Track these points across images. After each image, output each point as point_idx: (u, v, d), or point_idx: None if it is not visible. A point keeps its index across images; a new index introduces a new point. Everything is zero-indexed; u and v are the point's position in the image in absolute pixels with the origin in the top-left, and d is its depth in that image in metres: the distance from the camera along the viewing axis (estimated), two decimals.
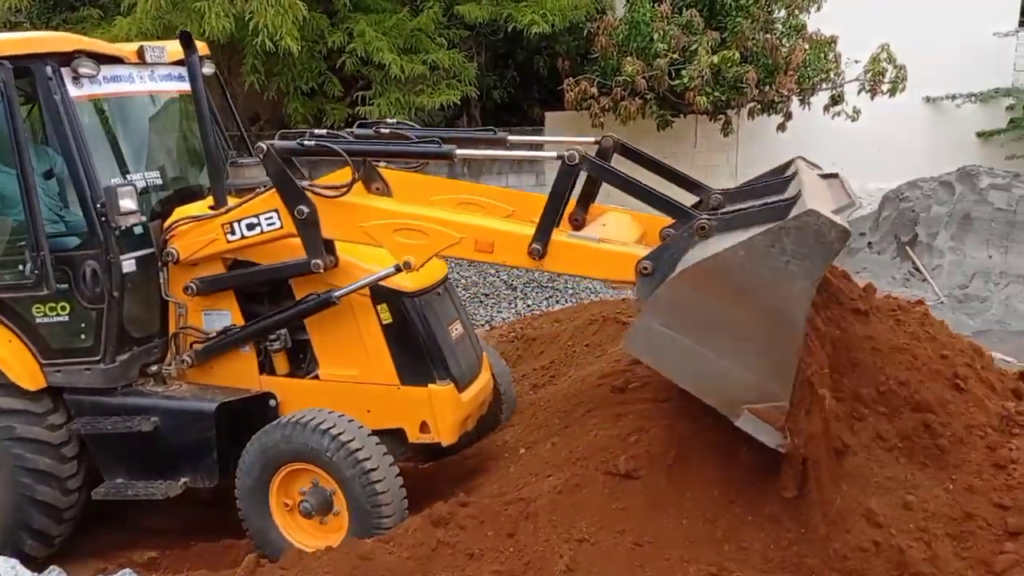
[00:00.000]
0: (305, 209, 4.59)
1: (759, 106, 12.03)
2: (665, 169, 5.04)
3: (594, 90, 11.30)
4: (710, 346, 3.76)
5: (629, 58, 11.09)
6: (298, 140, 4.77)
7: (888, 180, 12.82)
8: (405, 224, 4.56)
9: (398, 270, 4.65)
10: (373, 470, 4.43)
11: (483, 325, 9.70)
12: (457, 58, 10.97)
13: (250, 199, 4.88)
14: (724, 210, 4.16)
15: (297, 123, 10.90)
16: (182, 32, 5.19)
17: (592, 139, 4.86)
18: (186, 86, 5.28)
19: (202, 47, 5.48)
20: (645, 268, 4.08)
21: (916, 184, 12.12)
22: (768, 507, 4.02)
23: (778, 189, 4.43)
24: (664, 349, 3.83)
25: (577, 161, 4.31)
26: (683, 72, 11.08)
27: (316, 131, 5.04)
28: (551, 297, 10.42)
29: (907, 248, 11.49)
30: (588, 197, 4.98)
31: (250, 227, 4.82)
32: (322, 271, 4.72)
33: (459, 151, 4.69)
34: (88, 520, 5.52)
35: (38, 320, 4.91)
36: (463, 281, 10.38)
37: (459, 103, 11.50)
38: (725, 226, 3.95)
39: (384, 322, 4.90)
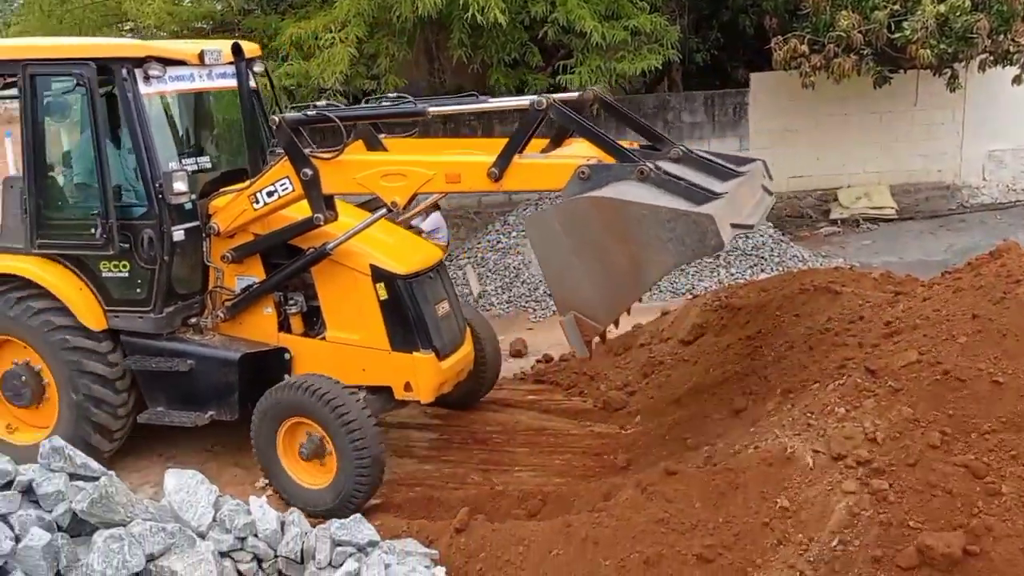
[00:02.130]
0: (309, 171, 5.41)
1: (991, 58, 11.00)
2: (637, 123, 5.65)
3: (804, 48, 10.73)
4: (582, 259, 4.48)
5: (844, 12, 10.44)
6: (303, 112, 5.68)
7: None
8: (388, 170, 5.37)
9: (389, 211, 5.56)
10: (353, 420, 5.24)
11: (684, 294, 9.60)
12: (659, 22, 10.76)
13: (266, 172, 5.69)
14: (668, 169, 4.72)
15: (500, 94, 11.13)
16: (234, 43, 6.25)
17: (575, 94, 5.59)
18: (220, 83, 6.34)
19: (254, 49, 6.59)
20: (583, 172, 4.66)
21: None
22: None
23: (723, 176, 5.04)
24: (549, 241, 4.57)
25: (544, 107, 4.94)
26: (904, 24, 10.31)
27: (318, 103, 5.98)
28: (756, 265, 10.13)
29: None
30: (560, 138, 5.53)
31: (269, 194, 5.66)
32: (323, 224, 5.50)
33: (432, 108, 5.62)
34: None
35: (103, 274, 5.93)
36: None
37: (660, 68, 11.31)
38: (660, 181, 4.57)
39: (381, 298, 5.73)
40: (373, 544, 4.05)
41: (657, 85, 13.07)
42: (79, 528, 3.79)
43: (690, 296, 9.20)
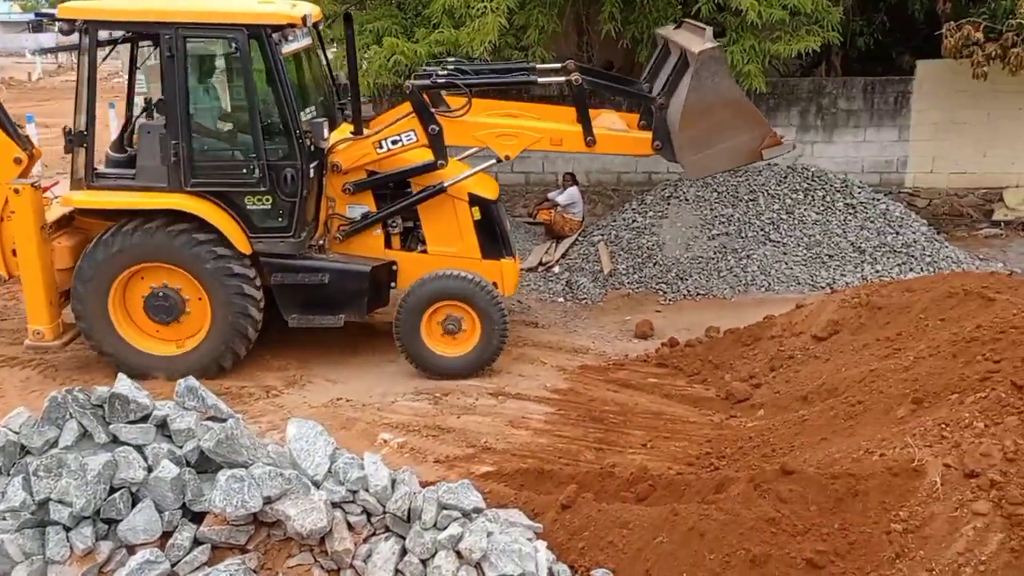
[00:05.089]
0: (436, 127, 7.11)
1: None
2: (618, 80, 8.10)
3: (979, 35, 9.98)
4: (720, 141, 6.94)
5: None
6: (431, 79, 7.17)
7: None
8: (503, 132, 7.23)
9: (498, 161, 7.40)
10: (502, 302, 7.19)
11: (823, 287, 9.21)
12: (821, 2, 10.23)
13: (390, 125, 7.23)
14: (662, 91, 7.14)
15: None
16: (346, 13, 7.64)
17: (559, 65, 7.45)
18: (309, 42, 7.60)
19: (319, 13, 7.66)
20: (657, 145, 7.19)
21: None
22: None
23: (667, 58, 7.55)
24: (706, 162, 7.09)
25: (581, 82, 7.12)
26: None
27: (439, 70, 7.38)
28: (904, 264, 9.59)
29: None
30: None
31: (394, 143, 7.18)
32: (444, 168, 7.25)
33: (541, 79, 7.34)
34: (437, 434, 6.22)
35: (248, 207, 6.95)
36: (805, 240, 9.89)
37: (819, 51, 10.80)
38: (668, 96, 7.08)
39: (475, 218, 7.44)
40: (478, 511, 4.09)
41: (814, 69, 12.49)
42: (205, 465, 4.00)
43: (829, 290, 8.83)
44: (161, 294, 7.03)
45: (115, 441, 3.91)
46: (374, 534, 4.06)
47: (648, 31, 10.55)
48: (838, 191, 10.42)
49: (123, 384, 3.99)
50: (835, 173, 10.82)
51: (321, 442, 4.21)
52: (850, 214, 10.18)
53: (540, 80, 7.28)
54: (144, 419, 3.98)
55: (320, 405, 6.78)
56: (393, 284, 7.56)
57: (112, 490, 3.77)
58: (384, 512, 4.07)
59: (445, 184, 7.28)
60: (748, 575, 3.77)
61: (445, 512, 4.01)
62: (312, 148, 7.01)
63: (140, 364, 7.00)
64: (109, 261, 6.89)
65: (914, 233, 10.03)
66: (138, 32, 7.30)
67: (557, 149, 7.47)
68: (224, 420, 4.07)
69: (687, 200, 10.48)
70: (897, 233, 9.97)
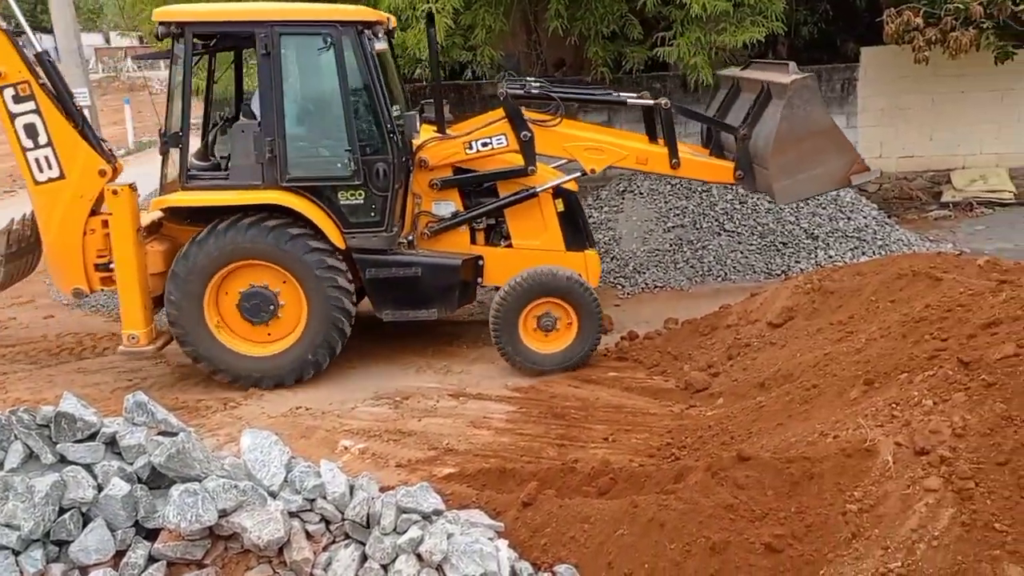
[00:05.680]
0: (528, 134, 7.38)
1: None
2: (698, 114, 8.49)
3: (919, 20, 10.15)
4: (810, 168, 7.07)
5: None
6: (524, 89, 7.60)
7: None
8: (591, 145, 7.48)
9: (584, 174, 7.64)
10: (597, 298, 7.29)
11: (779, 275, 9.31)
12: None
13: (482, 128, 7.50)
14: (743, 123, 7.43)
15: (598, 67, 10.95)
16: (428, 12, 7.94)
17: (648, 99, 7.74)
18: (386, 47, 7.60)
19: (394, 21, 7.97)
20: (739, 175, 7.48)
21: None
22: None
23: (739, 95, 8.00)
24: (796, 187, 7.18)
25: (670, 106, 7.50)
26: None
27: (532, 81, 7.84)
28: (856, 248, 9.73)
29: None
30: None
31: (484, 145, 7.42)
32: (534, 174, 7.46)
33: (631, 100, 7.69)
34: (398, 438, 6.16)
35: (341, 202, 7.07)
36: (759, 228, 9.99)
37: (763, 41, 10.91)
38: (751, 127, 7.38)
39: (559, 210, 7.59)
40: (438, 513, 4.06)
41: (761, 59, 12.62)
42: (158, 481, 3.93)
43: (784, 277, 8.93)
44: (261, 293, 7.05)
45: (63, 461, 3.82)
46: (333, 542, 4.01)
47: (595, 27, 10.59)
48: None
49: (69, 402, 3.91)
50: None
51: (276, 452, 4.15)
52: (802, 201, 10.29)
53: (629, 101, 7.67)
54: (92, 437, 3.89)
55: (279, 415, 6.71)
56: (480, 280, 7.65)
57: (62, 511, 3.68)
58: (343, 519, 4.03)
59: (537, 189, 7.47)
60: (708, 562, 3.78)
61: (404, 516, 3.98)
62: (401, 143, 7.13)
63: (238, 367, 7.14)
64: (203, 262, 6.92)
65: (865, 218, 10.17)
66: (232, 33, 7.37)
67: (641, 169, 7.65)
68: (175, 434, 4.00)
69: (642, 194, 10.54)
70: (848, 218, 10.11)
